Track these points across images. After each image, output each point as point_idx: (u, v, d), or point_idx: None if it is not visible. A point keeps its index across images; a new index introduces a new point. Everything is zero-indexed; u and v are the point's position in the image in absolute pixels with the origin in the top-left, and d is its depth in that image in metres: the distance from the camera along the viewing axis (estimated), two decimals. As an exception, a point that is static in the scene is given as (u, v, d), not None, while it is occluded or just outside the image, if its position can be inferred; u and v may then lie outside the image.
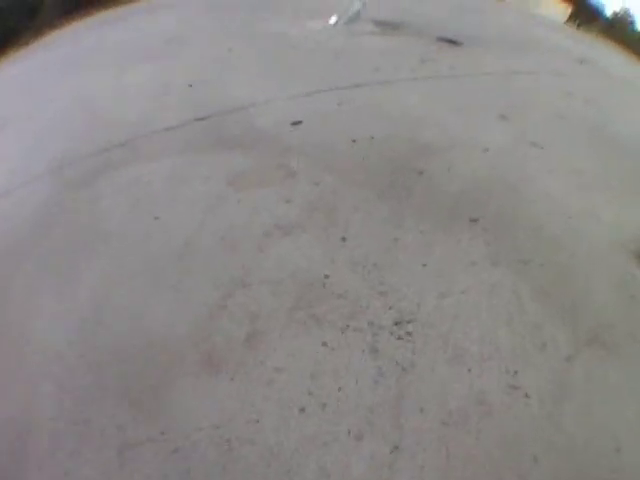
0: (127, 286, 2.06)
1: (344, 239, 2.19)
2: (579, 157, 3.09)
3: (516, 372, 1.89)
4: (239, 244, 2.20)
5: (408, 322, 1.99)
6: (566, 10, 18.63)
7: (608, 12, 48.07)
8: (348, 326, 1.94)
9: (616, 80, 7.11)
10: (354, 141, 2.78)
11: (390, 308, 2.01)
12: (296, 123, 2.99)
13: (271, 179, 2.55)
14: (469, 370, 1.85)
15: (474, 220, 2.37)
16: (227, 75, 3.72)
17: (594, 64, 7.42)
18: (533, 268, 2.25)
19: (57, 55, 5.69)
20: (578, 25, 19.32)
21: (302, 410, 1.68)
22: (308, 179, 2.50)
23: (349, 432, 1.63)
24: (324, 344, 1.90)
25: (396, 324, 1.97)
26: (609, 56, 11.03)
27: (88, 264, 2.16)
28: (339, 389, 1.76)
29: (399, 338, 1.93)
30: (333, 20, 5.27)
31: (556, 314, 2.08)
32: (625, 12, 51.35)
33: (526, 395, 1.82)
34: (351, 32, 5.07)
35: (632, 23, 50.56)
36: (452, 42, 5.14)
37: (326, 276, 2.04)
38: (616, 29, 36.71)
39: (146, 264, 2.16)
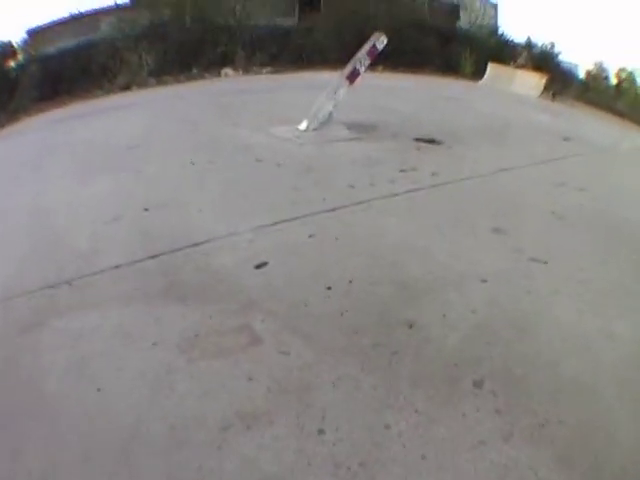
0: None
1: (322, 432, 1.76)
2: (585, 264, 2.77)
3: None
4: (193, 437, 1.79)
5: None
6: (540, 81, 18.96)
7: (582, 72, 49.01)
8: None
9: (605, 153, 7.03)
10: (329, 288, 2.37)
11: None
12: (260, 265, 2.59)
13: (231, 346, 2.13)
14: None
15: (479, 383, 1.94)
16: (186, 196, 3.42)
17: (579, 139, 7.38)
18: (551, 429, 1.85)
19: (22, 150, 5.77)
20: (553, 95, 19.67)
21: None
22: (275, 346, 2.10)
23: None
24: None
25: None
26: (590, 126, 11.27)
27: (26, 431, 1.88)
28: None
29: None
30: (303, 125, 5.00)
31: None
32: (598, 67, 52.51)
33: None
34: (323, 139, 4.82)
35: (607, 78, 51.88)
36: (431, 142, 4.90)
37: (301, 487, 1.60)
38: (592, 90, 37.94)
39: (84, 452, 1.81)
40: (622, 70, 51.90)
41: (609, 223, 3.51)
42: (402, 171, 3.78)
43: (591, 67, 52.17)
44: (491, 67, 19.44)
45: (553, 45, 28.76)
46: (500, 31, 34.76)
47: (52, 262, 2.76)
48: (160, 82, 15.87)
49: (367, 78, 12.57)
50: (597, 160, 6.26)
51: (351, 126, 5.16)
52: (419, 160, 4.15)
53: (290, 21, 26.28)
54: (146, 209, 3.18)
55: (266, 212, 3.04)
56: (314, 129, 4.91)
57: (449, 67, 22.99)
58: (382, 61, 20.13)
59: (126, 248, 2.79)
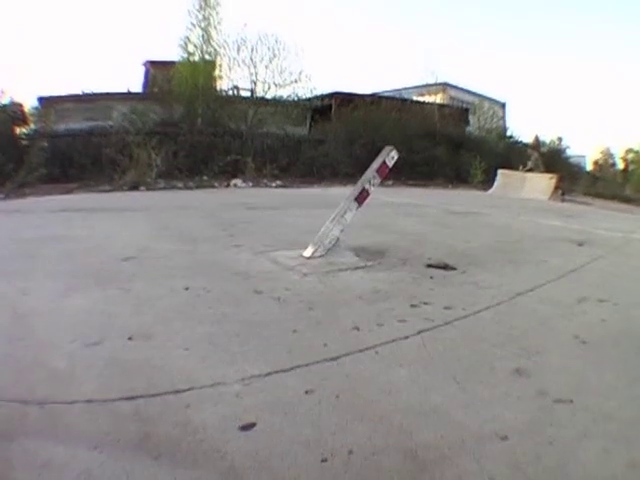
0: None
1: None
2: (611, 392, 2.47)
3: None
4: None
5: None
6: (550, 182, 19.00)
7: (588, 165, 50.31)
8: None
9: (620, 253, 6.88)
10: (324, 460, 1.99)
11: None
12: (247, 427, 2.21)
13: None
14: None
15: None
16: (174, 328, 3.06)
17: (593, 242, 7.27)
18: None
19: (18, 234, 5.88)
20: (562, 194, 19.66)
21: None
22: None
23: None
24: None
25: None
26: (602, 222, 11.06)
27: None
28: None
29: None
30: (309, 252, 4.73)
31: None
32: (606, 154, 53.83)
33: None
34: (328, 268, 4.48)
35: (614, 164, 53.24)
36: (444, 267, 4.65)
37: None
38: (600, 180, 38.42)
39: None
40: (629, 151, 53.04)
41: (635, 337, 3.27)
42: (413, 306, 3.46)
43: (599, 156, 53.36)
44: (501, 174, 19.57)
45: (561, 139, 29.27)
46: (509, 132, 35.47)
47: (26, 375, 2.52)
48: (169, 185, 16.16)
49: (377, 193, 12.60)
50: (613, 262, 6.10)
51: (359, 251, 4.93)
52: (431, 291, 3.86)
53: (301, 130, 26.79)
54: (130, 338, 2.89)
55: (259, 359, 2.68)
56: (320, 256, 4.65)
57: (459, 176, 23.16)
58: (393, 174, 20.31)
59: (102, 381, 2.51)
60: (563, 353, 2.87)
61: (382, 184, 17.61)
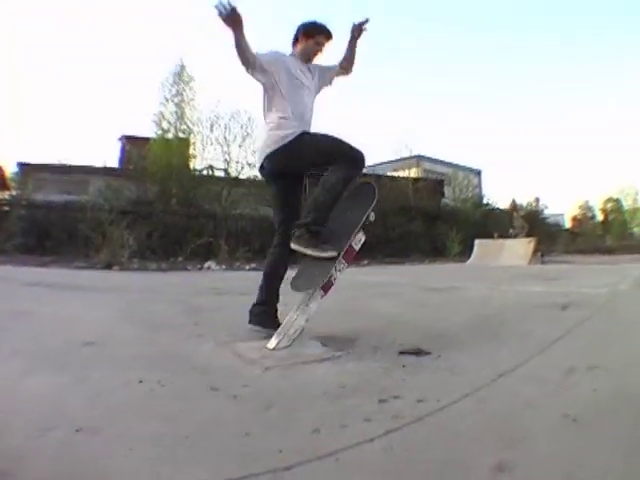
0: None
1: None
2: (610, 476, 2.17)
3: None
4: None
5: None
6: (528, 246, 19.27)
7: (567, 222, 52.33)
8: None
9: (606, 311, 6.83)
10: None
11: None
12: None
13: None
14: None
15: None
16: (121, 426, 2.75)
17: (576, 303, 7.15)
18: None
19: None
20: (542, 256, 19.86)
21: None
22: None
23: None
24: None
25: None
26: (585, 279, 11.43)
27: None
28: None
29: None
30: (273, 343, 4.40)
31: None
32: (584, 208, 55.47)
33: None
34: (292, 360, 4.15)
35: (593, 217, 54.98)
36: (417, 353, 4.34)
37: None
38: (581, 235, 39.53)
39: None
40: (608, 200, 54.41)
41: (629, 407, 2.97)
42: (382, 402, 3.10)
43: (577, 211, 54.96)
44: (478, 244, 19.93)
45: (538, 200, 29.83)
46: (485, 199, 36.06)
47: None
48: (142, 266, 16.22)
49: (352, 274, 12.52)
50: (601, 321, 5.96)
51: (327, 340, 4.63)
52: (403, 383, 3.52)
53: None
54: (77, 430, 2.62)
55: (206, 467, 2.31)
56: (285, 347, 4.34)
57: (437, 249, 23.41)
58: (368, 253, 20.45)
59: (45, 474, 2.24)
60: (551, 436, 2.55)
61: (358, 264, 17.78)
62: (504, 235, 21.73)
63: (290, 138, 4.66)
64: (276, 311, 5.06)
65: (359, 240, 4.74)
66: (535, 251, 19.45)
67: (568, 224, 49.60)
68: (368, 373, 3.83)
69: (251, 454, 2.45)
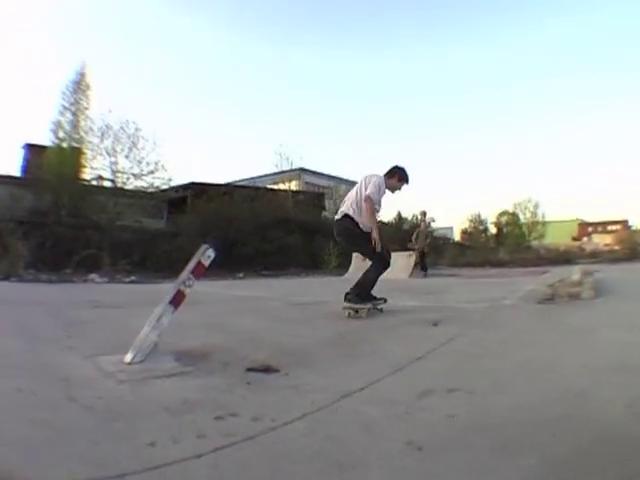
0: None
1: None
2: None
3: None
4: None
5: None
6: (409, 260, 19.89)
7: (456, 235, 53.65)
8: None
9: (480, 328, 6.96)
10: None
11: None
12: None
13: None
14: None
15: None
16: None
17: (450, 320, 7.34)
18: None
19: None
20: (424, 270, 20.37)
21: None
22: None
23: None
24: None
25: None
26: (466, 294, 11.45)
27: None
28: None
29: None
30: (128, 357, 4.50)
31: None
32: (476, 221, 57.20)
33: None
34: (145, 374, 4.25)
35: (485, 230, 56.60)
36: (265, 370, 4.41)
37: None
38: (471, 248, 40.37)
39: None
40: (503, 213, 55.85)
41: (487, 436, 2.91)
42: (218, 419, 3.13)
43: (467, 224, 56.26)
44: (355, 257, 20.22)
45: (425, 214, 30.43)
46: None
47: None
48: (36, 277, 16.87)
49: (224, 288, 12.59)
50: (474, 339, 6.02)
51: (182, 355, 4.74)
52: (243, 400, 3.56)
53: (157, 223, 27.08)
54: None
55: (62, 470, 2.49)
56: (140, 361, 4.45)
57: (315, 263, 23.57)
58: (246, 266, 20.52)
59: None
60: (388, 466, 2.50)
61: (234, 277, 17.88)
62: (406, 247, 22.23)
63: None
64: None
65: (208, 256, 4.91)
66: (417, 264, 19.99)
67: (457, 237, 50.94)
68: (211, 389, 3.86)
69: (98, 460, 2.53)
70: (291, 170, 44.91)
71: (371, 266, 8.55)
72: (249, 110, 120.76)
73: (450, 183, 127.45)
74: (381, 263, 8.57)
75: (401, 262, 19.38)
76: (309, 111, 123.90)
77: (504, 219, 52.33)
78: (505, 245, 39.46)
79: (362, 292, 8.20)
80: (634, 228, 76.72)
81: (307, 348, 5.43)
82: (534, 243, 53.49)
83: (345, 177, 47.21)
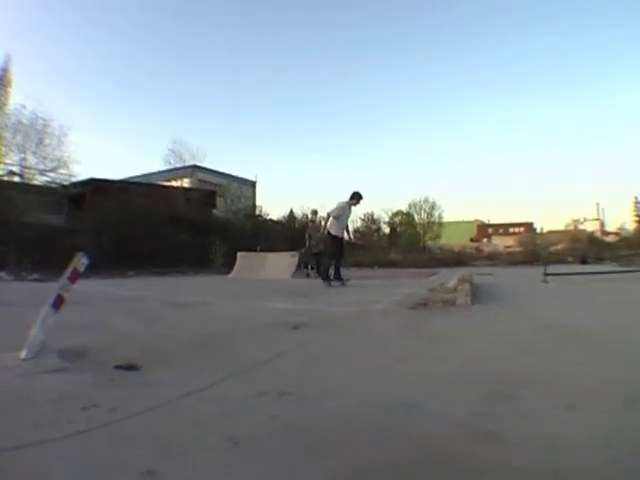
0: None
1: None
2: None
3: None
4: None
5: None
6: (292, 259, 20.37)
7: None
8: None
9: (339, 334, 7.24)
10: None
11: None
12: None
13: None
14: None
15: None
16: None
17: (313, 324, 7.70)
18: None
19: None
20: (307, 269, 20.82)
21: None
22: None
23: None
24: None
25: None
26: (347, 297, 11.23)
27: None
28: None
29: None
30: (23, 354, 5.05)
31: None
32: (369, 220, 56.68)
33: None
34: (32, 369, 4.83)
35: (378, 230, 56.13)
36: (130, 368, 4.92)
37: None
38: (360, 248, 39.86)
39: None
40: (397, 213, 55.93)
41: (302, 437, 3.35)
42: (84, 409, 3.77)
43: (359, 223, 55.25)
44: (240, 256, 20.58)
45: (316, 213, 30.72)
46: (258, 209, 36.83)
47: None
48: None
49: (112, 286, 12.85)
50: (327, 345, 6.40)
51: (63, 353, 5.23)
52: (105, 394, 4.15)
53: (59, 220, 26.79)
54: None
55: None
56: (32, 358, 5.02)
57: (204, 261, 23.87)
58: (136, 264, 20.53)
59: None
60: (203, 455, 3.06)
61: (124, 275, 17.99)
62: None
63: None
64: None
65: (82, 263, 5.43)
66: (299, 265, 20.47)
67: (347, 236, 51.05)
68: (82, 384, 4.43)
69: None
70: (184, 167, 44.43)
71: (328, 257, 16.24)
72: (148, 103, 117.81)
73: (345, 181, 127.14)
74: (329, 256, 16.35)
75: (285, 262, 20.25)
76: (205, 108, 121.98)
77: (398, 219, 52.69)
78: (398, 245, 40.17)
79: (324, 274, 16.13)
80: (538, 231, 78.92)
81: (169, 348, 5.96)
82: (429, 243, 53.92)
83: (238, 175, 47.26)
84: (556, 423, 3.61)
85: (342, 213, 16.00)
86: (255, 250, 22.55)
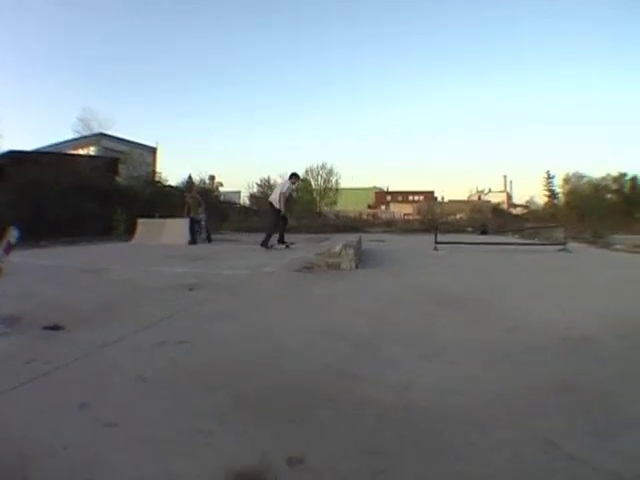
0: None
1: None
2: (156, 424, 3.33)
3: None
4: None
5: None
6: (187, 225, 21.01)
7: (243, 199, 49.78)
8: None
9: (230, 294, 7.59)
10: None
11: None
12: None
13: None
14: None
15: None
16: None
17: (205, 286, 8.16)
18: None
19: None
20: (208, 234, 21.00)
21: None
22: None
23: None
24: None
25: None
26: (238, 260, 11.44)
27: None
28: None
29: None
30: None
31: None
32: (264, 184, 53.65)
33: None
34: None
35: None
36: (55, 328, 5.52)
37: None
38: (256, 214, 38.54)
39: None
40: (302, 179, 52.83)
41: (200, 374, 4.11)
42: (27, 363, 4.43)
43: (255, 189, 52.85)
44: (140, 223, 20.14)
45: (213, 178, 30.45)
46: (158, 176, 36.26)
47: None
48: None
49: (31, 257, 12.88)
50: (216, 303, 7.08)
51: (4, 319, 5.77)
52: (41, 350, 4.80)
53: None
54: None
55: None
56: None
57: (108, 228, 23.55)
58: (49, 234, 20.08)
59: None
60: (121, 390, 3.79)
61: (38, 245, 17.49)
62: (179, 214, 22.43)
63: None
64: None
65: (14, 236, 5.75)
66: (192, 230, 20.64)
67: (244, 202, 49.65)
68: (22, 344, 5.07)
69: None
70: (92, 135, 43.18)
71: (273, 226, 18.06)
72: (61, 72, 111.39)
73: (245, 147, 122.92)
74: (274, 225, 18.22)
75: (177, 228, 20.33)
76: (116, 76, 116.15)
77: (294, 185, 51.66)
78: (293, 211, 40.55)
79: (266, 241, 17.61)
80: (440, 201, 78.95)
81: (86, 310, 6.48)
82: (325, 210, 53.20)
83: (143, 142, 46.19)
84: (414, 370, 4.26)
85: (288, 191, 18.67)
86: (154, 216, 22.34)
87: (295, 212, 41.05)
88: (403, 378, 4.08)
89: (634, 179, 54.11)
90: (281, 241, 17.96)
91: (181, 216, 21.83)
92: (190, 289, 8.07)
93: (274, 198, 18.13)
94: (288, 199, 18.82)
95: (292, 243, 18.22)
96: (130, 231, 21.32)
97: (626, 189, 54.81)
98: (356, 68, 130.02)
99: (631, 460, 2.78)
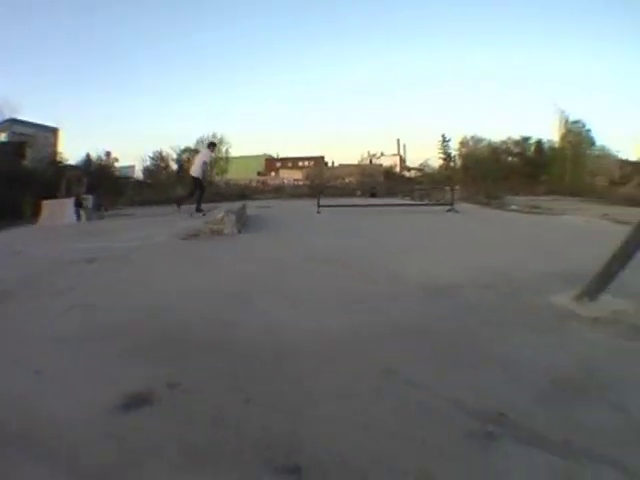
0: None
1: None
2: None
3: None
4: None
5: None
6: (86, 201, 21.27)
7: (138, 173, 47.69)
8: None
9: (123, 263, 8.50)
10: None
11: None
12: None
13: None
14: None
15: None
16: None
17: (102, 259, 8.65)
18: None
19: None
20: (105, 210, 22.15)
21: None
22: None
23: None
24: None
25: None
26: (123, 236, 12.23)
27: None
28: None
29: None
30: None
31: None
32: (158, 158, 51.56)
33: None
34: None
35: (166, 167, 50.90)
36: None
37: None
38: (149, 187, 37.81)
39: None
40: (185, 150, 51.45)
41: (101, 329, 4.74)
42: None
43: (148, 163, 50.31)
44: (44, 204, 19.78)
45: (109, 154, 30.49)
46: (59, 156, 35.68)
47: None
48: None
49: None
50: (114, 272, 7.72)
51: None
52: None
53: None
54: None
55: None
56: None
57: (17, 212, 23.19)
58: None
59: None
60: (44, 348, 4.36)
61: None
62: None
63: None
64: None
65: None
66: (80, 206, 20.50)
67: (139, 175, 48.43)
68: None
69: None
70: (3, 121, 41.99)
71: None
72: None
73: (138, 122, 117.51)
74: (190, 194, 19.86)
75: (59, 209, 20.10)
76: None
77: (186, 155, 50.54)
78: (184, 182, 40.26)
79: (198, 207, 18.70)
80: (330, 165, 78.47)
81: (11, 287, 6.89)
82: (216, 179, 52.97)
83: (47, 124, 44.93)
84: (279, 316, 4.92)
85: (210, 159, 21.50)
86: (57, 197, 22.30)
87: (186, 183, 40.09)
88: (270, 322, 4.77)
89: (539, 142, 54.96)
90: (198, 209, 18.69)
91: (61, 196, 21.57)
92: (89, 262, 8.53)
93: (195, 170, 19.49)
94: (200, 168, 19.64)
95: (209, 211, 17.94)
96: (35, 214, 21.16)
97: (529, 152, 55.55)
98: (245, 38, 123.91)
99: (470, 391, 3.21)
